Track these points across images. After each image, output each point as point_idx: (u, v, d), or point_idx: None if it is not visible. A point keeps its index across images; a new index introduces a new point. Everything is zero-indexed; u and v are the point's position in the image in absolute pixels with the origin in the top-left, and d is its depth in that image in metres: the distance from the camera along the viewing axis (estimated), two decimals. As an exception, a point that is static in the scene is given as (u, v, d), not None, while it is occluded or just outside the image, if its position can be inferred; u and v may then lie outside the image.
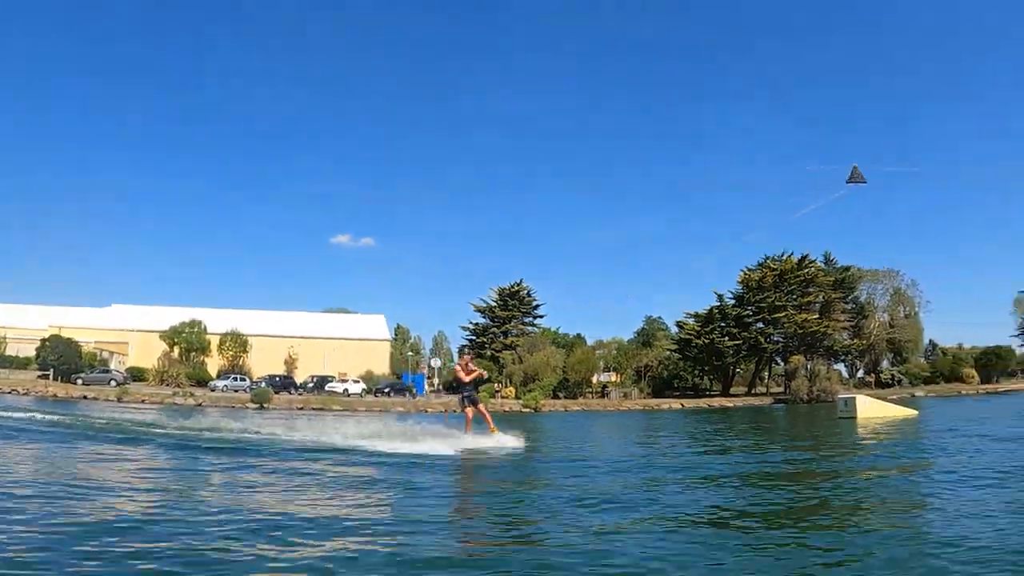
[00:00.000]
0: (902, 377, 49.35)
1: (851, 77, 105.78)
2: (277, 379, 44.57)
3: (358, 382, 45.63)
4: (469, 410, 10.89)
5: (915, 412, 22.56)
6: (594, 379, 48.98)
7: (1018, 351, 52.55)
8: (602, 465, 8.52)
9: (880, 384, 48.83)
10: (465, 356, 15.55)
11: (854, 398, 23.91)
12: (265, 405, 35.54)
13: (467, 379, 11.05)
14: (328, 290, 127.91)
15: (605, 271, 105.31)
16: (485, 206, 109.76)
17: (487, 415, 10.95)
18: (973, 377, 48.17)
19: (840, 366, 51.56)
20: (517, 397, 46.91)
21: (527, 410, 41.52)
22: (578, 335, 54.50)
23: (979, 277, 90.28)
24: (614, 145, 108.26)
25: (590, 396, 48.41)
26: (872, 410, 22.35)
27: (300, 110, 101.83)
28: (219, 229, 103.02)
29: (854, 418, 21.08)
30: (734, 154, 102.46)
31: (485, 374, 13.59)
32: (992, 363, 47.77)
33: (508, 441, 10.28)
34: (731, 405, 44.01)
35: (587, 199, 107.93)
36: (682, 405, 44.80)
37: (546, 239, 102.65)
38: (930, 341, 55.53)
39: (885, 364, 51.44)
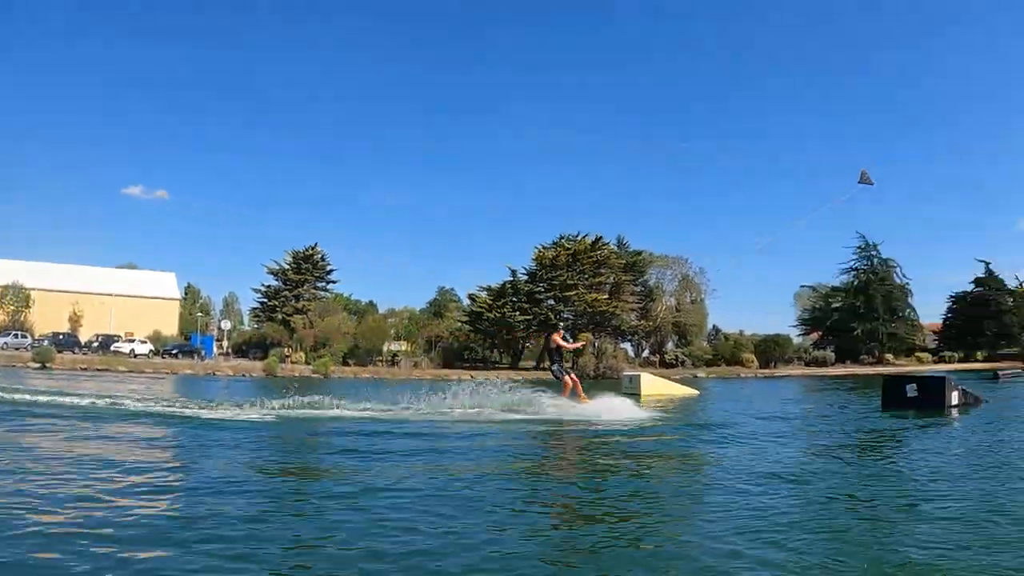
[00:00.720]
0: (685, 358, 61.07)
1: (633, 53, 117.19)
2: (61, 337, 50.55)
3: (145, 342, 52.50)
4: (568, 378, 14.97)
5: (696, 391, 26.90)
6: (385, 347, 56.48)
7: (795, 340, 64.17)
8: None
9: (664, 364, 60.09)
10: (560, 331, 18.57)
11: (639, 375, 27.41)
12: (48, 365, 39.80)
13: (570, 347, 17.22)
14: (118, 244, 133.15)
15: (401, 239, 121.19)
16: (285, 166, 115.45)
17: (578, 385, 15.32)
18: (752, 361, 61.77)
19: (627, 345, 64.18)
20: (307, 362, 54.76)
21: (316, 376, 48.71)
22: (370, 302, 62.86)
23: (763, 270, 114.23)
24: (422, 112, 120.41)
25: (380, 364, 57.56)
26: (656, 388, 25.69)
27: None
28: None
29: (638, 395, 23.82)
30: (541, 127, 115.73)
31: (582, 345, 20.07)
32: (771, 349, 59.99)
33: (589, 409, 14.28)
34: (520, 378, 52.40)
35: (389, 165, 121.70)
36: (471, 376, 52.74)
37: (346, 202, 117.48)
38: (714, 326, 70.45)
39: (670, 346, 64.91)
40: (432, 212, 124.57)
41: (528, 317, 58.46)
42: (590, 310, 58.64)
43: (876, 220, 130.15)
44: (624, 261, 61.47)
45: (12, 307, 55.39)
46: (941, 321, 74.04)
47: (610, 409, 13.90)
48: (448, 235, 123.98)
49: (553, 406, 13.96)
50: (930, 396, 16.03)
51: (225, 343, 61.62)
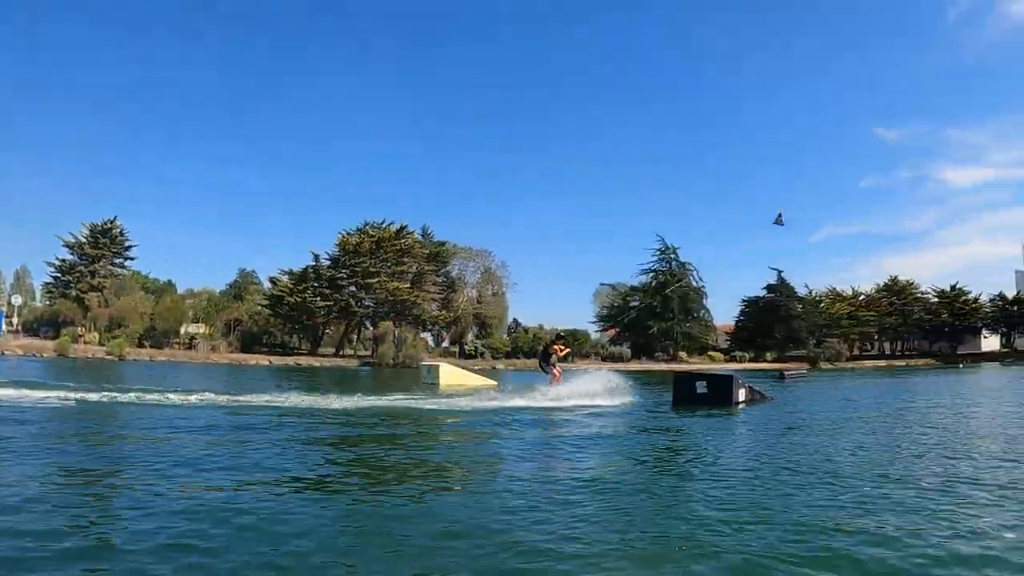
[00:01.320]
0: (485, 350, 74.55)
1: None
2: None
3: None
4: (556, 369, 22.66)
5: (495, 382, 30.64)
6: (182, 329, 62.64)
7: (593, 336, 74.53)
8: None
9: (464, 355, 73.28)
10: (560, 342, 25.19)
11: (438, 366, 32.29)
12: None
13: (560, 355, 23.24)
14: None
15: (203, 218, 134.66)
16: (83, 128, 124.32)
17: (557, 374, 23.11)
18: None
19: (427, 335, 77.87)
20: (101, 343, 61.80)
21: (110, 357, 53.71)
22: (169, 282, 69.11)
23: (567, 268, 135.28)
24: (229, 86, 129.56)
25: (177, 347, 67.22)
26: (455, 378, 29.81)
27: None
28: None
29: (437, 384, 27.99)
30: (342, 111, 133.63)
31: (568, 350, 28.55)
32: (569, 343, 65.00)
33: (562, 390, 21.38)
34: (319, 365, 63.18)
35: (192, 140, 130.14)
36: (270, 362, 62.69)
37: (146, 175, 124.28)
38: (514, 319, 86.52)
39: (470, 337, 76.65)
40: (237, 191, 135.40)
41: (329, 303, 71.11)
42: (391, 298, 71.56)
43: (680, 225, 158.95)
44: (428, 251, 75.42)
45: None
46: (734, 323, 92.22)
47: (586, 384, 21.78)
48: (252, 216, 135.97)
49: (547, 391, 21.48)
50: (719, 393, 19.22)
51: (16, 320, 65.81)
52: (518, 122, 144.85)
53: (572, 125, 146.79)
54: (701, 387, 19.42)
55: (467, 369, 36.44)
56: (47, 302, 73.70)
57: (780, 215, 45.28)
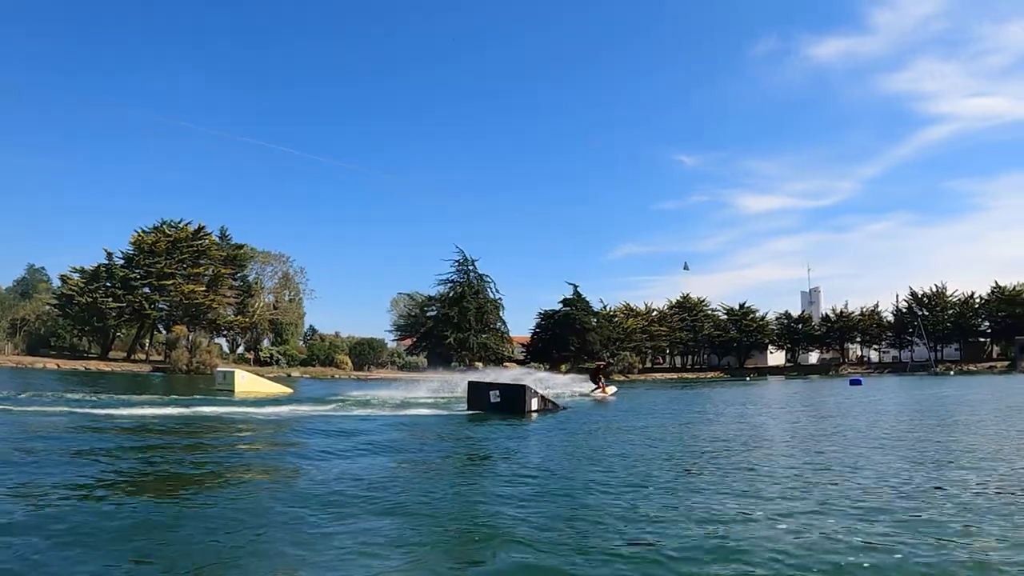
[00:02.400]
0: (281, 357, 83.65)
1: None
2: None
3: None
4: (602, 386, 37.10)
5: (290, 390, 34.15)
6: None
7: (390, 344, 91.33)
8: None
9: (259, 362, 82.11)
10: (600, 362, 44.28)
11: (233, 372, 34.41)
12: None
13: (599, 375, 38.63)
14: None
15: None
16: None
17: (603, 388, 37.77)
18: (347, 363, 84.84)
19: (222, 340, 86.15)
20: None
21: None
22: None
23: (366, 277, 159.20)
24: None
25: None
26: (250, 385, 32.62)
27: None
28: None
29: (232, 391, 30.65)
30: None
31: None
32: (365, 352, 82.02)
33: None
34: (109, 369, 68.24)
35: None
36: (58, 365, 68.16)
37: None
38: (311, 326, 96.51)
39: (266, 343, 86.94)
40: (26, 180, 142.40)
41: (121, 304, 76.10)
42: (186, 301, 78.07)
43: (480, 238, 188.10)
44: (225, 253, 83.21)
45: None
46: (530, 335, 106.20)
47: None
48: (43, 209, 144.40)
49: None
50: (512, 401, 22.32)
51: None
52: (316, 125, 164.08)
53: (376, 136, 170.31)
54: (495, 396, 22.76)
55: (262, 376, 40.14)
56: None
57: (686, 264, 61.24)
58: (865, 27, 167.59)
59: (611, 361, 52.28)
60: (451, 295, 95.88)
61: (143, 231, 78.67)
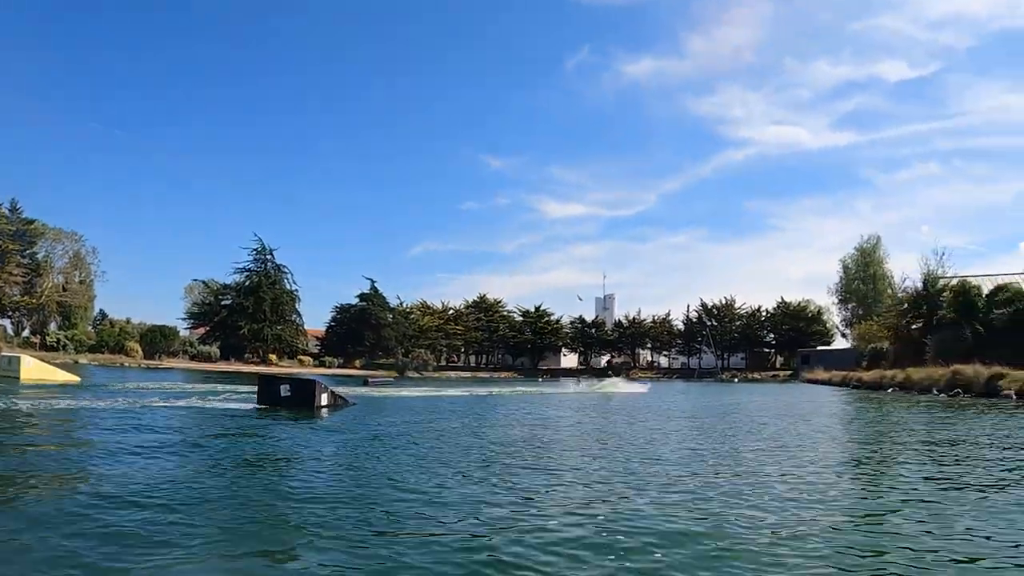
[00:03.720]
0: (68, 342, 79.07)
1: None
2: None
3: None
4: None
5: (78, 378, 33.15)
6: None
7: (183, 333, 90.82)
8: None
9: (46, 347, 76.91)
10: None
11: (19, 357, 33.69)
12: None
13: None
14: None
15: None
16: None
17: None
18: (137, 351, 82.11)
19: (6, 322, 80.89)
20: None
21: None
22: None
23: (162, 261, 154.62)
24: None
25: None
26: (37, 372, 31.71)
27: None
28: None
29: (18, 378, 30.21)
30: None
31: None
32: (157, 340, 80.00)
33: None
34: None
35: None
36: None
37: None
38: (101, 310, 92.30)
39: (53, 327, 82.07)
40: None
41: None
42: None
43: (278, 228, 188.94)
44: (14, 228, 77.16)
45: None
46: (325, 329, 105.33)
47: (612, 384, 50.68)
48: None
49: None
50: (301, 396, 22.05)
51: None
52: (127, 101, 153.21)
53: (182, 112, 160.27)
54: (285, 390, 22.47)
55: (48, 362, 38.40)
56: None
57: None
58: (679, 51, 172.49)
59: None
60: (247, 284, 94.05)
61: None
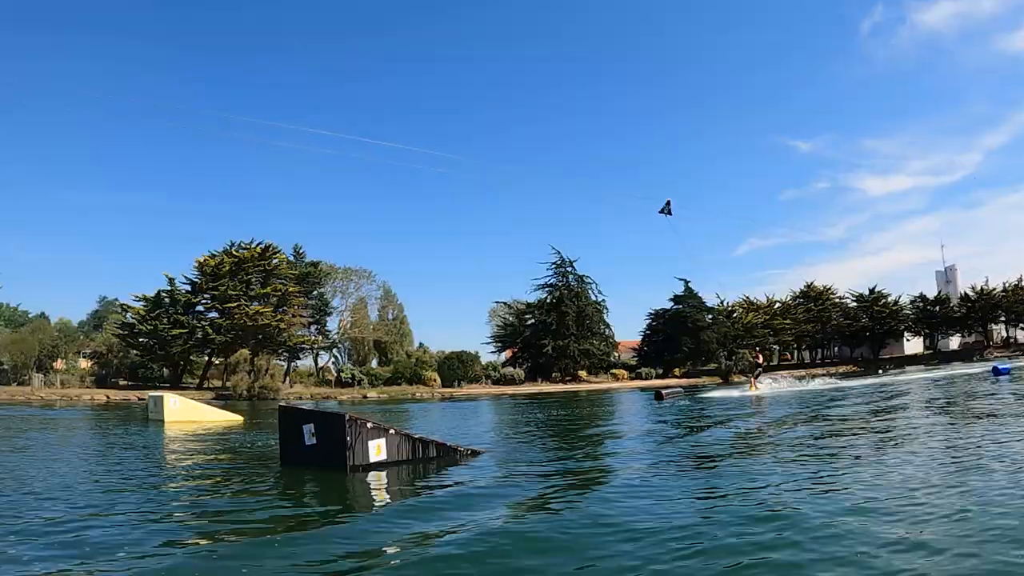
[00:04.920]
0: (363, 377, 73.54)
1: None
2: None
3: None
4: (754, 380, 37.90)
5: (240, 418, 28.81)
6: (57, 363, 69.47)
7: (489, 357, 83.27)
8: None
9: (340, 383, 73.27)
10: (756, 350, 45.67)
11: (162, 398, 29.20)
12: None
13: (760, 363, 40.75)
14: None
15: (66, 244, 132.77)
16: None
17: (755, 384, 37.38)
18: (434, 380, 73.84)
19: (296, 363, 77.63)
20: None
21: None
22: (41, 314, 71.55)
23: (459, 288, 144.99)
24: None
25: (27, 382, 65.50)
26: (183, 413, 28.06)
27: None
28: None
29: (162, 420, 26.71)
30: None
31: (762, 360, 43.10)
32: (455, 367, 70.46)
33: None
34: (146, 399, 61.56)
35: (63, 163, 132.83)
36: (107, 397, 59.12)
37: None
38: (420, 343, 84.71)
39: (347, 364, 75.03)
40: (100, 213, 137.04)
41: (184, 330, 68.11)
42: (251, 324, 68.83)
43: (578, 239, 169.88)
44: (297, 272, 73.89)
45: None
46: (640, 338, 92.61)
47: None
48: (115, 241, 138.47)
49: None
50: (329, 444, 12.12)
51: None
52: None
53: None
54: (309, 435, 12.50)
55: (204, 402, 35.11)
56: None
57: (668, 204, 48.70)
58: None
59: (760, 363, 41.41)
60: (548, 300, 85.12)
61: (210, 254, 71.19)
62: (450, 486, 10.19)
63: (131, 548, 6.80)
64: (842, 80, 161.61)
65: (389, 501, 9.53)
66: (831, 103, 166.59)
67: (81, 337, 75.04)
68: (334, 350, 79.36)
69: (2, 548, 6.65)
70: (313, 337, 75.07)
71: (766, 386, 38.98)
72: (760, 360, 39.38)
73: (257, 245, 71.84)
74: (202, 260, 70.24)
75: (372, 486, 10.74)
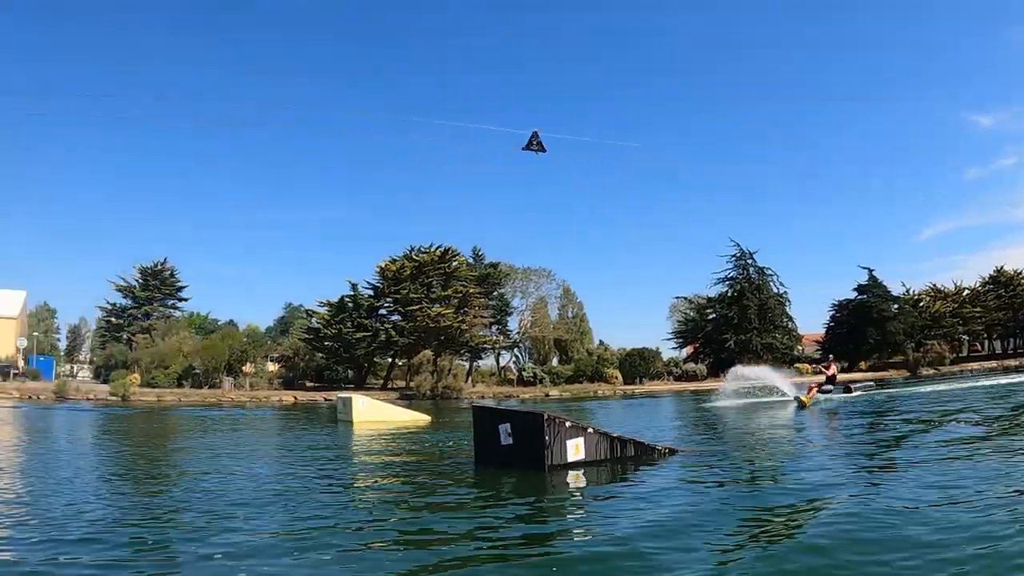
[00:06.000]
0: (544, 376, 71.68)
1: None
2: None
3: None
4: (814, 390, 29.81)
5: (427, 417, 28.47)
6: (247, 367, 69.85)
7: (668, 354, 79.93)
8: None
9: (522, 381, 71.96)
10: (830, 361, 39.19)
11: (351, 398, 29.16)
12: None
13: (830, 374, 32.77)
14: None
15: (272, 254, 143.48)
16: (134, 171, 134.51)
17: (813, 392, 29.43)
18: (616, 377, 71.34)
19: (478, 362, 76.59)
20: (151, 384, 62.28)
21: (114, 398, 51.38)
22: (230, 321, 73.67)
23: (635, 284, 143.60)
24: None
25: (216, 386, 67.24)
26: (371, 413, 28.23)
27: None
28: None
29: (350, 421, 26.86)
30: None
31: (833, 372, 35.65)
32: (636, 364, 68.52)
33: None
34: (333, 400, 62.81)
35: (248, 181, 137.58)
36: (295, 399, 61.27)
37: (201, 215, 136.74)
38: (600, 341, 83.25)
39: (528, 363, 75.86)
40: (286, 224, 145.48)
41: (368, 333, 68.36)
42: (432, 325, 68.21)
43: (759, 229, 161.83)
44: (477, 273, 72.74)
45: None
46: (824, 330, 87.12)
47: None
48: (300, 249, 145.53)
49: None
50: (526, 445, 11.65)
51: (21, 362, 70.38)
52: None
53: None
54: (506, 434, 11.96)
55: (391, 402, 35.57)
56: (100, 347, 79.11)
57: (533, 137, 38.72)
58: None
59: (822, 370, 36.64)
60: (729, 294, 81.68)
61: (391, 259, 71.58)
62: (672, 487, 10.10)
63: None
64: (1016, 44, 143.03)
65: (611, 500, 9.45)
66: (1007, 72, 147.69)
67: (268, 342, 76.58)
68: (515, 349, 78.72)
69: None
70: (494, 337, 74.15)
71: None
72: (832, 372, 33.57)
73: (436, 249, 71.66)
74: (383, 265, 70.77)
75: (578, 485, 10.67)
